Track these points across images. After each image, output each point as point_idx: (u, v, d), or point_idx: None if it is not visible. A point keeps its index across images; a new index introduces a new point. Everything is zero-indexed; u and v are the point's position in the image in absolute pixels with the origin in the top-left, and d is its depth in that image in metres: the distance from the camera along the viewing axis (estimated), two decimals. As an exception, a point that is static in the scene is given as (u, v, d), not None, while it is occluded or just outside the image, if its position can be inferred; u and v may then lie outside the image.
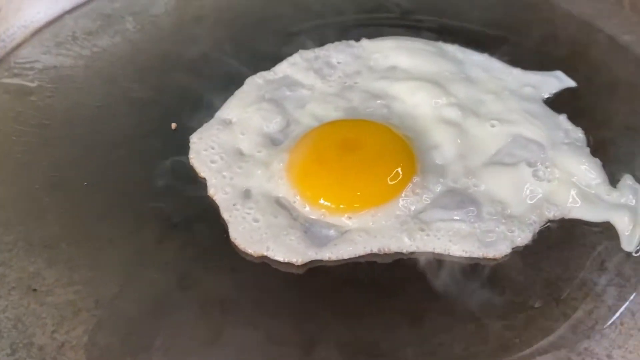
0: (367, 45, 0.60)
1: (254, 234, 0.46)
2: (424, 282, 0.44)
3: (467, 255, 0.45)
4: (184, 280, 0.44)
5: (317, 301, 0.43)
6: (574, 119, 0.54)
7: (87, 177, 0.50)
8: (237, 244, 0.46)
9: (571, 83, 0.57)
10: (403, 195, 0.47)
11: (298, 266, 0.45)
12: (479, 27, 0.63)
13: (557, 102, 0.56)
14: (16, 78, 0.58)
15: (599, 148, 0.51)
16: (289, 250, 0.45)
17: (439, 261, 0.45)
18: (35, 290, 0.43)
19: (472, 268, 0.45)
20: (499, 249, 0.45)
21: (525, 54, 0.60)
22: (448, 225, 0.46)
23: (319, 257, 0.45)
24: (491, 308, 0.42)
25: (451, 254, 0.45)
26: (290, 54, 0.60)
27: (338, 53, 0.60)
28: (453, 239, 0.45)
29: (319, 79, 0.57)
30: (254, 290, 0.43)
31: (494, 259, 0.45)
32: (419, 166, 0.49)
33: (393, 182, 0.47)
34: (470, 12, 0.65)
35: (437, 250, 0.45)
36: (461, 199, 0.47)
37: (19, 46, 0.61)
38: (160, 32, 0.63)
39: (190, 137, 0.53)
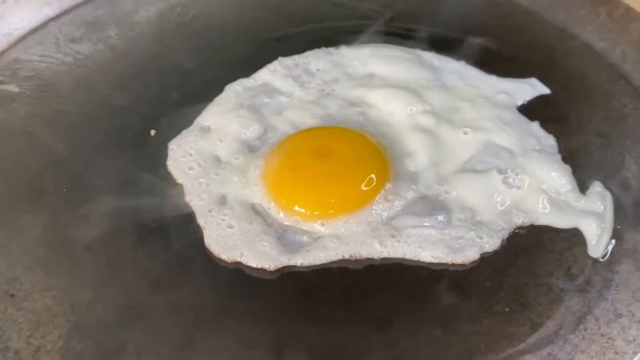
0: (345, 53, 0.61)
1: (228, 240, 0.47)
2: (394, 287, 0.45)
3: (436, 261, 0.46)
4: (158, 286, 0.45)
5: (288, 306, 0.44)
6: (547, 125, 0.54)
7: (67, 183, 0.51)
8: (211, 250, 0.46)
9: (545, 90, 0.58)
10: (376, 201, 0.48)
11: (271, 272, 0.45)
12: (457, 35, 0.64)
13: (531, 109, 0.56)
14: (0, 85, 0.59)
15: (570, 155, 0.52)
16: (262, 256, 0.46)
17: (408, 267, 0.46)
18: (12, 295, 0.44)
19: (441, 274, 0.45)
20: (467, 255, 0.46)
21: (501, 61, 0.61)
22: (418, 232, 0.47)
23: (291, 263, 0.46)
24: (458, 313, 0.43)
25: (421, 259, 0.46)
26: (270, 60, 0.60)
27: (317, 60, 0.60)
28: (423, 245, 0.46)
29: (297, 87, 0.58)
30: (227, 296, 0.44)
31: (463, 265, 0.46)
32: (392, 173, 0.50)
33: (366, 189, 0.48)
34: (449, 19, 0.66)
35: (407, 256, 0.46)
36: (432, 206, 0.48)
37: (2, 53, 0.62)
38: (143, 40, 0.64)
39: (168, 143, 0.53)
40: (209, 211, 0.48)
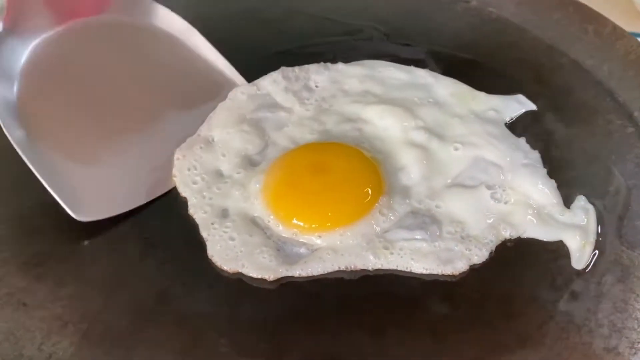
0: (342, 69, 0.63)
1: (229, 252, 0.49)
2: (387, 297, 0.47)
3: (427, 272, 0.48)
4: (163, 295, 0.47)
5: (286, 315, 0.46)
6: (534, 141, 0.57)
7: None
8: (213, 261, 0.49)
9: (532, 106, 0.60)
10: (370, 215, 0.51)
11: (270, 282, 0.48)
12: (449, 51, 0.66)
13: (519, 125, 0.59)
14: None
15: (556, 170, 0.54)
16: (262, 267, 0.48)
17: (400, 278, 0.48)
18: (25, 304, 0.46)
19: (431, 284, 0.48)
20: (457, 267, 0.48)
21: (491, 77, 0.63)
22: (410, 244, 0.49)
23: (289, 273, 0.48)
24: (448, 322, 0.46)
25: (412, 271, 0.48)
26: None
27: (317, 75, 0.62)
28: (414, 257, 0.49)
29: (297, 103, 0.60)
30: (228, 305, 0.47)
31: (452, 276, 0.48)
32: (386, 187, 0.52)
33: (361, 203, 0.51)
34: (442, 36, 0.68)
35: (400, 268, 0.48)
36: (423, 220, 0.50)
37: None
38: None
39: (175, 152, 0.55)
40: (212, 224, 0.51)
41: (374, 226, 0.50)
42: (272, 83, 0.61)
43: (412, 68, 0.63)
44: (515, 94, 0.61)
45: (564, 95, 0.62)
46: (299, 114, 0.59)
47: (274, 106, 0.60)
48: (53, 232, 0.51)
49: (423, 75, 0.62)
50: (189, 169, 0.54)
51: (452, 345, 0.44)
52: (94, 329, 0.45)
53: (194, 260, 0.49)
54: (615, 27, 0.66)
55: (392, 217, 0.51)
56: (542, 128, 0.59)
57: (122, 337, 0.45)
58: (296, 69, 0.63)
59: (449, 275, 0.48)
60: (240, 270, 0.48)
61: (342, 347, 0.44)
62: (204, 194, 0.53)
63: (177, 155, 0.55)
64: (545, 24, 0.69)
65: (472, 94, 0.60)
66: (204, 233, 0.50)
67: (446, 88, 0.61)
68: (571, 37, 0.67)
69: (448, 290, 0.48)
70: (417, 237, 0.49)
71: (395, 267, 0.48)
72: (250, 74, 0.63)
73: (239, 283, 0.48)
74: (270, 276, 0.48)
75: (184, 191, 0.53)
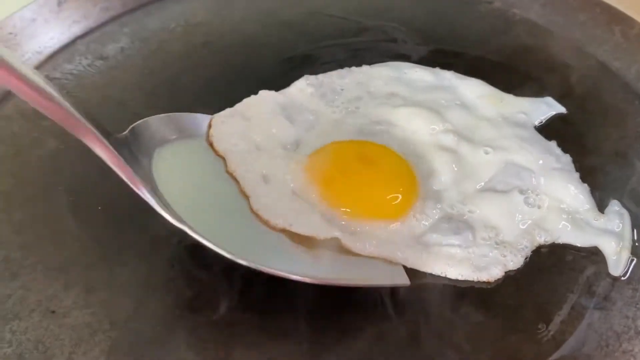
0: (367, 71, 0.63)
1: (276, 209, 0.48)
2: (422, 304, 0.46)
3: (462, 278, 0.47)
4: (194, 303, 0.46)
5: (320, 322, 0.45)
6: (564, 145, 0.56)
7: (102, 201, 0.52)
8: (260, 214, 0.48)
9: (561, 109, 0.59)
10: (405, 219, 0.50)
11: (302, 288, 0.47)
12: (475, 53, 0.66)
13: (549, 129, 0.58)
14: (31, 103, 0.61)
15: (588, 174, 0.54)
16: (311, 226, 0.47)
17: (435, 285, 0.47)
18: (53, 312, 0.46)
19: (466, 291, 0.47)
20: (492, 273, 0.47)
21: (518, 80, 0.62)
22: (445, 250, 0.48)
23: (339, 236, 0.47)
24: (484, 330, 0.45)
25: (447, 276, 0.48)
26: (294, 78, 0.62)
27: (341, 79, 0.62)
28: (449, 263, 0.48)
29: (324, 106, 0.59)
30: (260, 313, 0.46)
31: (487, 283, 0.47)
32: (420, 192, 0.51)
33: (400, 203, 0.50)
34: (467, 38, 0.68)
35: (435, 272, 0.48)
36: (457, 225, 0.49)
37: (33, 71, 0.64)
38: (169, 58, 0.65)
39: (213, 115, 0.55)
40: (256, 182, 0.50)
41: (409, 230, 0.49)
42: (298, 91, 0.60)
43: (437, 70, 0.63)
44: (543, 96, 0.61)
45: (592, 98, 0.61)
46: (328, 116, 0.58)
47: (303, 109, 0.59)
48: (80, 238, 0.50)
49: (448, 77, 0.62)
50: (228, 133, 0.53)
51: (490, 353, 0.44)
52: (124, 336, 0.45)
53: (223, 267, 0.48)
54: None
55: (425, 222, 0.50)
56: (572, 131, 0.58)
57: (153, 344, 0.44)
58: (319, 76, 0.62)
59: (484, 282, 0.47)
60: (287, 228, 0.47)
61: (379, 355, 0.44)
62: (245, 156, 0.52)
63: (217, 119, 0.54)
64: (571, 26, 0.68)
65: (499, 96, 0.60)
66: (247, 189, 0.49)
67: (473, 90, 0.60)
68: (598, 39, 0.67)
69: (483, 297, 0.47)
70: (451, 242, 0.48)
71: (430, 271, 0.48)
72: (274, 76, 0.62)
73: (270, 289, 0.47)
74: (320, 234, 0.47)
75: (222, 149, 0.52)
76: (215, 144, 0.53)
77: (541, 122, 0.58)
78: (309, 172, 0.51)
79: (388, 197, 0.50)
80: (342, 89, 0.61)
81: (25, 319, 0.45)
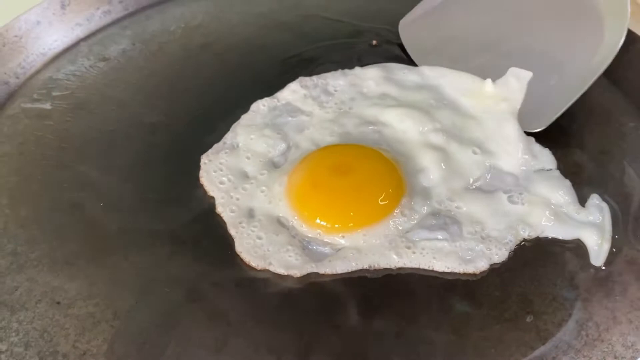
0: (359, 72, 0.65)
1: (257, 249, 0.50)
2: (410, 295, 0.49)
3: (449, 270, 0.50)
4: (192, 294, 0.48)
5: (313, 314, 0.47)
6: (550, 142, 0.58)
7: (104, 197, 0.55)
8: (242, 257, 0.50)
9: (528, 74, 0.58)
10: (392, 216, 0.52)
11: (296, 280, 0.49)
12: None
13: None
14: (36, 103, 0.63)
15: (571, 170, 0.56)
16: (289, 265, 0.50)
17: (423, 277, 0.49)
18: (58, 303, 0.48)
19: (453, 283, 0.49)
20: (478, 266, 0.50)
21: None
22: (432, 244, 0.50)
23: (315, 270, 0.49)
24: (469, 320, 0.47)
25: (435, 269, 0.50)
26: (291, 78, 0.64)
27: (334, 80, 0.64)
28: (436, 256, 0.50)
29: (317, 106, 0.61)
30: (256, 304, 0.48)
31: (473, 275, 0.49)
32: (407, 189, 0.53)
33: (383, 204, 0.52)
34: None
35: (422, 267, 0.50)
36: (444, 221, 0.52)
37: (37, 72, 0.66)
38: (168, 60, 0.67)
39: (201, 157, 0.57)
40: (239, 222, 0.52)
41: (397, 226, 0.51)
42: (292, 93, 0.63)
43: (420, 69, 0.64)
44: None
45: (579, 97, 0.63)
46: (320, 117, 0.60)
47: (295, 111, 0.61)
48: (84, 232, 0.52)
49: (432, 76, 0.63)
50: (215, 171, 0.56)
51: (475, 342, 0.46)
52: (126, 326, 0.47)
53: (221, 260, 0.50)
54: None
55: (413, 218, 0.52)
56: (558, 129, 0.60)
57: (154, 334, 0.46)
58: (314, 77, 0.64)
59: (470, 274, 0.49)
60: (268, 268, 0.49)
61: (368, 345, 0.46)
62: (231, 194, 0.54)
63: (204, 159, 0.57)
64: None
65: (481, 84, 0.61)
66: (232, 231, 0.52)
67: (457, 88, 0.61)
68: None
69: (469, 289, 0.49)
70: (438, 237, 0.51)
71: (417, 266, 0.50)
72: (271, 78, 0.64)
73: (266, 282, 0.49)
74: (296, 273, 0.49)
75: (211, 190, 0.55)
76: (205, 185, 0.55)
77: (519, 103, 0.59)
78: (288, 195, 0.53)
79: (367, 204, 0.52)
80: (335, 90, 0.63)
81: (32, 309, 0.47)
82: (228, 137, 0.59)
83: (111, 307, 0.48)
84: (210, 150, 0.57)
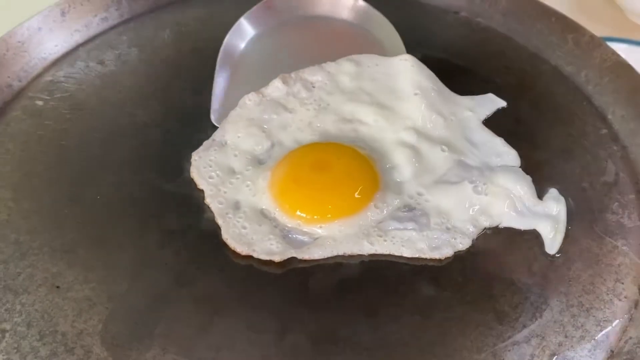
0: (333, 66, 0.68)
1: (242, 237, 0.55)
2: (380, 280, 0.53)
3: (416, 256, 0.54)
4: (180, 279, 0.52)
5: (290, 297, 0.51)
6: (516, 141, 0.62)
7: (100, 192, 0.59)
8: (228, 243, 0.54)
9: (502, 103, 0.65)
10: (367, 208, 0.56)
11: (277, 267, 0.53)
12: (441, 58, 0.71)
13: (502, 126, 0.63)
14: (37, 104, 0.67)
15: (534, 167, 0.60)
16: (270, 252, 0.54)
17: (392, 263, 0.54)
18: (58, 287, 0.52)
19: (420, 268, 0.53)
20: (443, 252, 0.54)
21: (478, 82, 0.68)
22: (402, 234, 0.55)
23: (294, 255, 0.53)
24: (434, 302, 0.51)
25: (403, 255, 0.54)
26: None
27: (312, 76, 0.67)
28: (405, 244, 0.54)
29: (298, 103, 0.65)
30: (239, 288, 0.52)
31: (439, 261, 0.54)
32: (381, 184, 0.58)
33: (358, 198, 0.56)
34: (432, 44, 0.74)
35: (392, 253, 0.54)
36: (414, 213, 0.56)
37: (39, 76, 0.70)
38: (162, 63, 0.71)
39: (192, 154, 0.61)
40: (226, 213, 0.56)
41: (370, 218, 0.56)
42: (275, 89, 0.66)
43: (393, 59, 0.67)
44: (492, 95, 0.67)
45: (545, 99, 0.68)
46: (301, 114, 0.64)
47: (279, 108, 0.65)
48: (82, 224, 0.56)
49: (402, 70, 0.66)
50: (204, 167, 0.60)
51: (439, 322, 0.50)
52: (119, 308, 0.51)
53: (207, 248, 0.55)
54: (592, 37, 0.71)
55: (385, 210, 0.56)
56: (524, 128, 0.64)
57: (145, 315, 0.50)
58: (292, 73, 0.67)
59: (436, 260, 0.54)
60: (251, 254, 0.54)
61: (340, 325, 0.50)
62: (219, 187, 0.58)
63: (194, 156, 0.61)
64: (529, 33, 0.74)
65: (451, 96, 0.65)
66: (219, 220, 0.56)
67: (428, 80, 0.66)
68: (553, 45, 0.73)
69: (435, 274, 0.53)
70: (408, 227, 0.55)
71: (388, 252, 0.54)
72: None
73: (249, 268, 0.53)
74: (277, 258, 0.53)
75: (201, 184, 0.59)
76: (195, 179, 0.59)
77: (487, 116, 0.64)
78: (271, 189, 0.57)
79: (343, 197, 0.56)
80: (313, 86, 0.66)
81: (33, 293, 0.51)
82: (217, 135, 0.63)
83: (106, 291, 0.52)
84: (200, 148, 0.61)
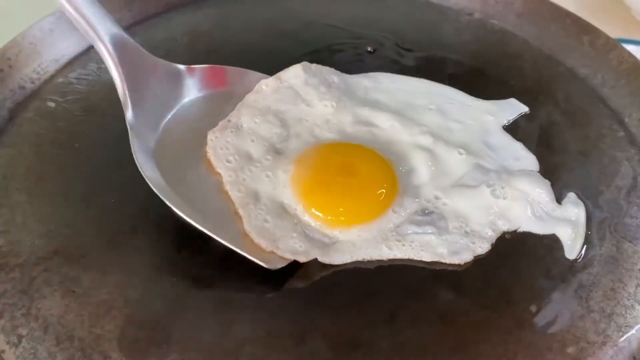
0: (350, 81, 0.68)
1: (265, 232, 0.54)
2: (399, 285, 0.52)
3: (435, 260, 0.53)
4: (198, 283, 0.52)
5: (310, 301, 0.51)
6: (532, 143, 0.62)
7: (115, 194, 0.58)
8: (251, 237, 0.54)
9: (524, 108, 0.65)
10: (385, 213, 0.56)
11: (293, 272, 0.53)
12: (456, 60, 0.71)
13: (519, 130, 0.64)
14: (50, 105, 0.66)
15: (552, 171, 0.60)
16: (294, 251, 0.53)
17: (411, 267, 0.53)
18: (74, 292, 0.51)
19: (440, 273, 0.53)
20: (462, 257, 0.53)
21: (494, 85, 0.68)
22: (421, 238, 0.54)
23: (319, 257, 0.53)
24: (454, 308, 0.51)
25: (423, 260, 0.53)
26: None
27: (330, 76, 0.67)
28: (424, 248, 0.54)
29: (316, 97, 0.64)
30: (257, 292, 0.52)
31: (458, 265, 0.53)
32: (400, 188, 0.57)
33: (381, 204, 0.56)
34: (448, 46, 0.73)
35: (411, 257, 0.54)
36: (431, 217, 0.55)
37: (51, 77, 0.69)
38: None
39: (208, 132, 0.60)
40: (247, 203, 0.55)
41: (388, 222, 0.55)
42: (294, 76, 0.65)
43: (409, 79, 0.68)
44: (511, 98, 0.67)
45: (561, 101, 0.67)
46: (318, 109, 0.63)
47: (296, 98, 0.64)
48: (97, 227, 0.56)
49: (419, 86, 0.67)
50: (221, 149, 0.59)
51: (459, 327, 0.50)
52: (136, 313, 0.50)
53: (225, 251, 0.54)
54: (608, 39, 0.71)
55: (403, 214, 0.56)
56: (541, 132, 0.64)
57: (163, 320, 0.50)
58: (313, 65, 0.67)
59: (455, 265, 0.53)
60: (275, 251, 0.53)
61: (359, 330, 0.49)
62: (238, 174, 0.57)
63: (211, 136, 0.60)
64: (544, 35, 0.74)
65: (469, 101, 0.65)
66: (240, 210, 0.55)
67: (447, 96, 0.66)
68: (568, 48, 0.72)
69: (454, 279, 0.53)
70: (427, 231, 0.54)
71: (407, 257, 0.54)
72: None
73: (266, 273, 0.53)
74: (302, 258, 0.53)
75: (218, 166, 0.58)
76: (212, 161, 0.58)
77: (509, 121, 0.64)
78: (295, 186, 0.56)
79: (369, 203, 0.56)
80: (332, 84, 0.66)
81: (50, 297, 0.51)
82: (233, 116, 0.62)
83: (123, 295, 0.51)
84: (216, 127, 0.61)
